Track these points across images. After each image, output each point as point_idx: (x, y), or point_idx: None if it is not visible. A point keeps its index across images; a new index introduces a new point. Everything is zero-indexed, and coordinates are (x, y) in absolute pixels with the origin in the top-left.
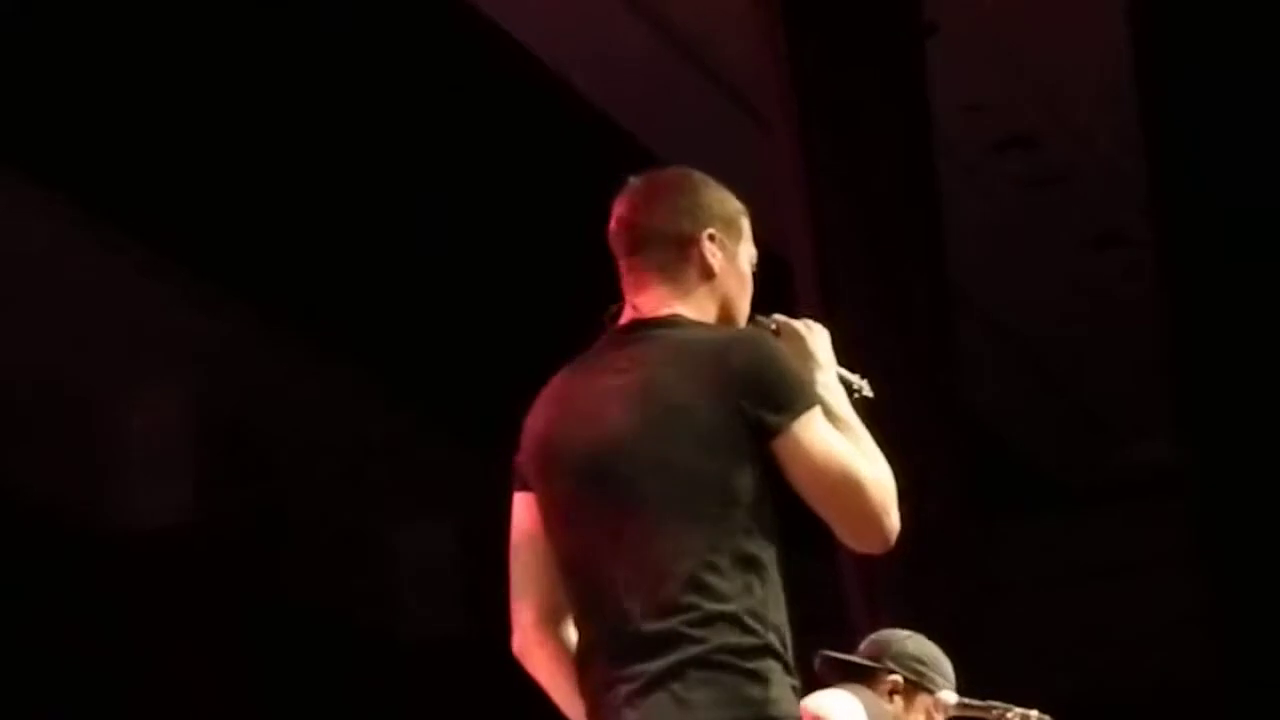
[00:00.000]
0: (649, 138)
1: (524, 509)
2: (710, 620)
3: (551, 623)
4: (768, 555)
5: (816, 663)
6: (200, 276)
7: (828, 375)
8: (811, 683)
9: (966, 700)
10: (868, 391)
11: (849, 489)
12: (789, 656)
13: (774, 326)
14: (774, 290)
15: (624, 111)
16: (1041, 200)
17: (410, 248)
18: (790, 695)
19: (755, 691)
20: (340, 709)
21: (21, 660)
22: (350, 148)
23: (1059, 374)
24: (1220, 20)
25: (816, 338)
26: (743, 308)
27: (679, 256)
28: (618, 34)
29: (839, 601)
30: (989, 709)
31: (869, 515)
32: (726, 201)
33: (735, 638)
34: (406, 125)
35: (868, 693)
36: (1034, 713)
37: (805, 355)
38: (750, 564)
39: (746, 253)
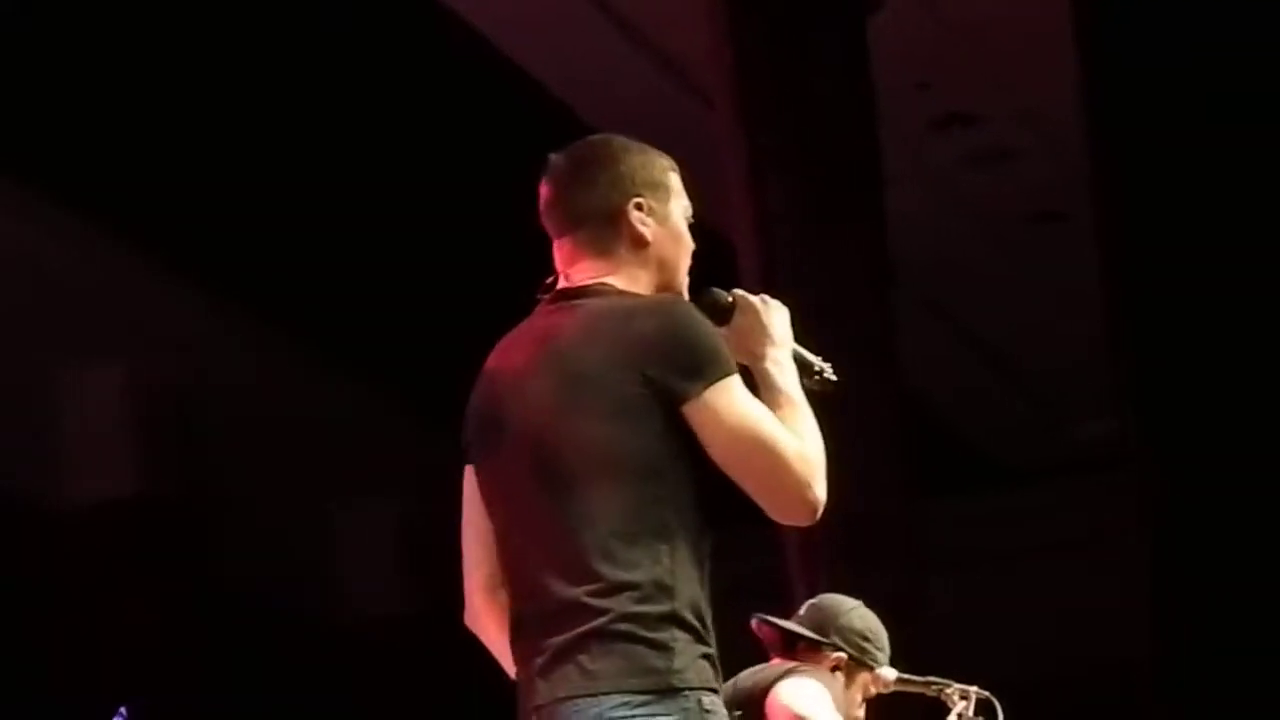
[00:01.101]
0: (592, 115)
1: (468, 482)
2: (615, 590)
3: (492, 591)
4: (680, 524)
5: (754, 625)
6: (144, 253)
7: (779, 351)
8: (747, 648)
9: (906, 676)
10: (830, 374)
11: (763, 457)
12: (701, 624)
13: (730, 300)
14: (716, 269)
15: (567, 89)
16: (984, 178)
17: (355, 224)
18: (700, 664)
19: (659, 661)
20: (283, 686)
21: None
22: (291, 121)
23: (1001, 352)
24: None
25: (773, 313)
26: (681, 265)
27: (609, 230)
28: (562, 13)
29: (782, 580)
30: (929, 684)
31: (786, 486)
32: (650, 164)
33: (640, 607)
34: (347, 99)
35: (824, 674)
36: (974, 688)
37: (759, 330)
38: (660, 533)
39: (679, 208)
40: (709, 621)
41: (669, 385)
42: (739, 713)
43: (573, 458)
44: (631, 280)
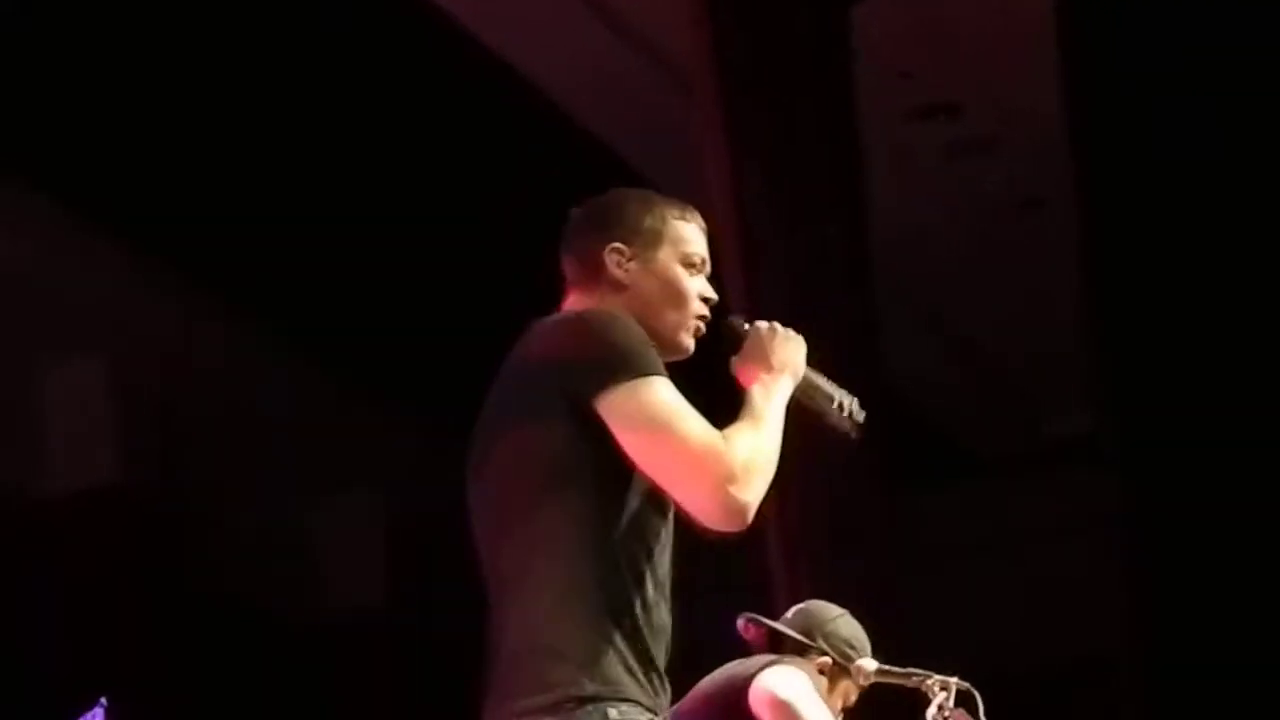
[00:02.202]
0: (572, 105)
1: None
2: (529, 604)
3: None
4: (597, 530)
5: (741, 624)
6: (124, 249)
7: (775, 378)
8: (728, 642)
9: (886, 667)
10: (855, 411)
11: (668, 452)
12: (620, 629)
13: (744, 328)
14: None
15: (546, 78)
16: (964, 168)
17: (336, 220)
18: (610, 672)
19: (558, 673)
20: (259, 683)
21: None
22: (273, 117)
23: (978, 344)
24: None
25: (781, 343)
26: (665, 308)
27: (590, 273)
28: (551, 11)
29: (760, 568)
30: (909, 676)
31: (692, 481)
32: (641, 213)
33: (546, 619)
34: (332, 94)
35: (807, 665)
36: (954, 679)
37: (760, 357)
38: (567, 539)
39: (673, 256)
40: (639, 622)
41: (577, 392)
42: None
43: (501, 473)
44: None
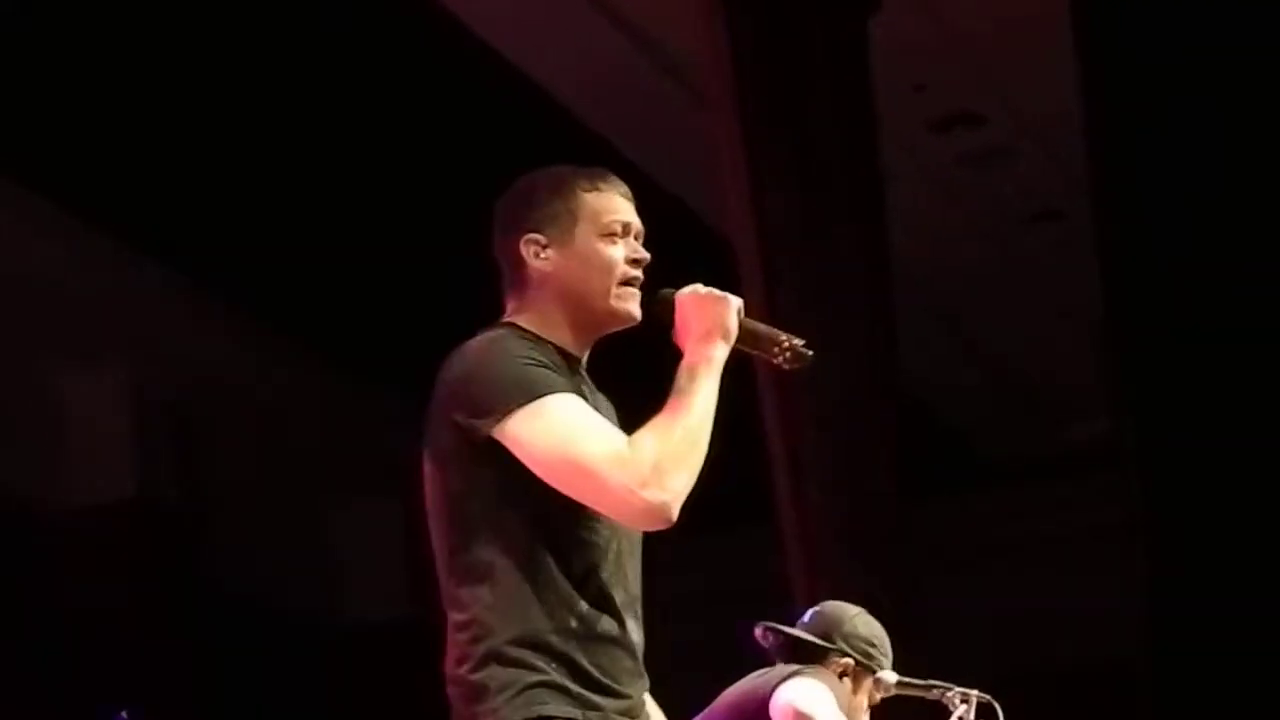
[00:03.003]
0: (592, 119)
1: None
2: (455, 631)
3: None
4: (506, 561)
5: (759, 633)
6: (142, 258)
7: (701, 346)
8: (741, 657)
9: (907, 679)
10: (800, 346)
11: (576, 473)
12: (537, 652)
13: (667, 299)
14: (717, 270)
15: (567, 93)
16: (982, 178)
17: (352, 226)
18: (530, 694)
19: (471, 708)
20: (280, 691)
21: None
22: (286, 124)
23: (997, 351)
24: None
25: (706, 307)
26: (594, 286)
27: (514, 270)
28: (562, 16)
29: (779, 576)
30: (929, 688)
31: (604, 494)
32: (549, 196)
33: (465, 651)
34: (348, 103)
35: (830, 677)
36: (974, 691)
37: (686, 327)
38: (481, 571)
39: (590, 231)
40: (558, 647)
41: (471, 426)
42: None
43: (427, 498)
44: (541, 313)
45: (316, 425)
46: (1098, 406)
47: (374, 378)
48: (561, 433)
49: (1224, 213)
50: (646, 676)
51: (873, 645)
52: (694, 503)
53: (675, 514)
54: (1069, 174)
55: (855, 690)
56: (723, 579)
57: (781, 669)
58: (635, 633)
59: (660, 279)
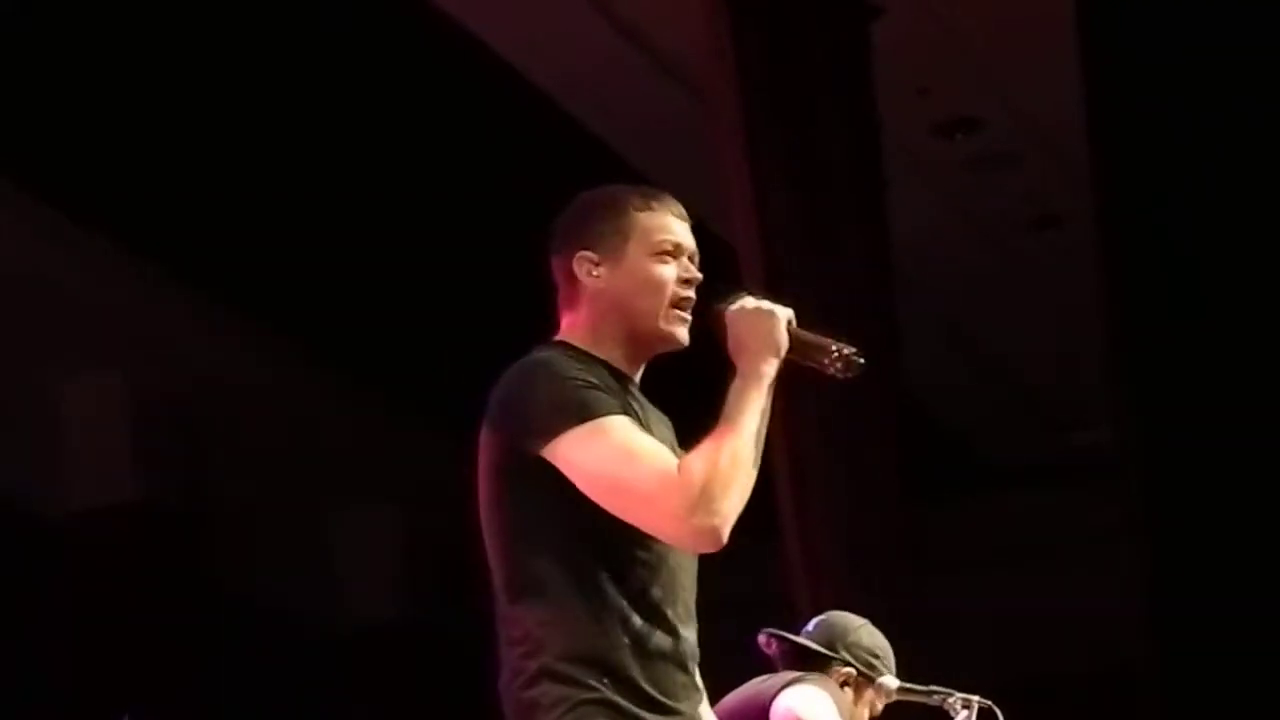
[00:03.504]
0: (595, 124)
1: None
2: (509, 649)
3: None
4: (560, 573)
5: (762, 639)
6: (142, 260)
7: (752, 362)
8: (750, 665)
9: (908, 685)
10: (850, 353)
11: (625, 497)
12: (587, 669)
13: (728, 307)
14: (719, 274)
15: (570, 97)
16: (984, 183)
17: (353, 229)
18: (579, 712)
19: None
20: (281, 694)
21: None
22: (288, 127)
23: (1000, 356)
24: (1165, 5)
25: (754, 322)
26: (644, 304)
27: (570, 288)
28: (566, 21)
29: (780, 581)
30: (930, 694)
31: (659, 518)
32: (603, 214)
33: (521, 663)
34: (347, 105)
35: (832, 685)
36: (975, 698)
37: (735, 345)
38: (534, 588)
39: (641, 250)
40: (611, 663)
41: (522, 444)
42: None
43: (481, 514)
44: (592, 329)
45: (317, 428)
46: (1100, 411)
47: (375, 381)
48: (611, 456)
49: (1227, 217)
50: (702, 689)
51: (875, 657)
52: None
53: (725, 536)
54: (1071, 179)
55: (856, 700)
56: (723, 584)
57: (784, 675)
58: (690, 646)
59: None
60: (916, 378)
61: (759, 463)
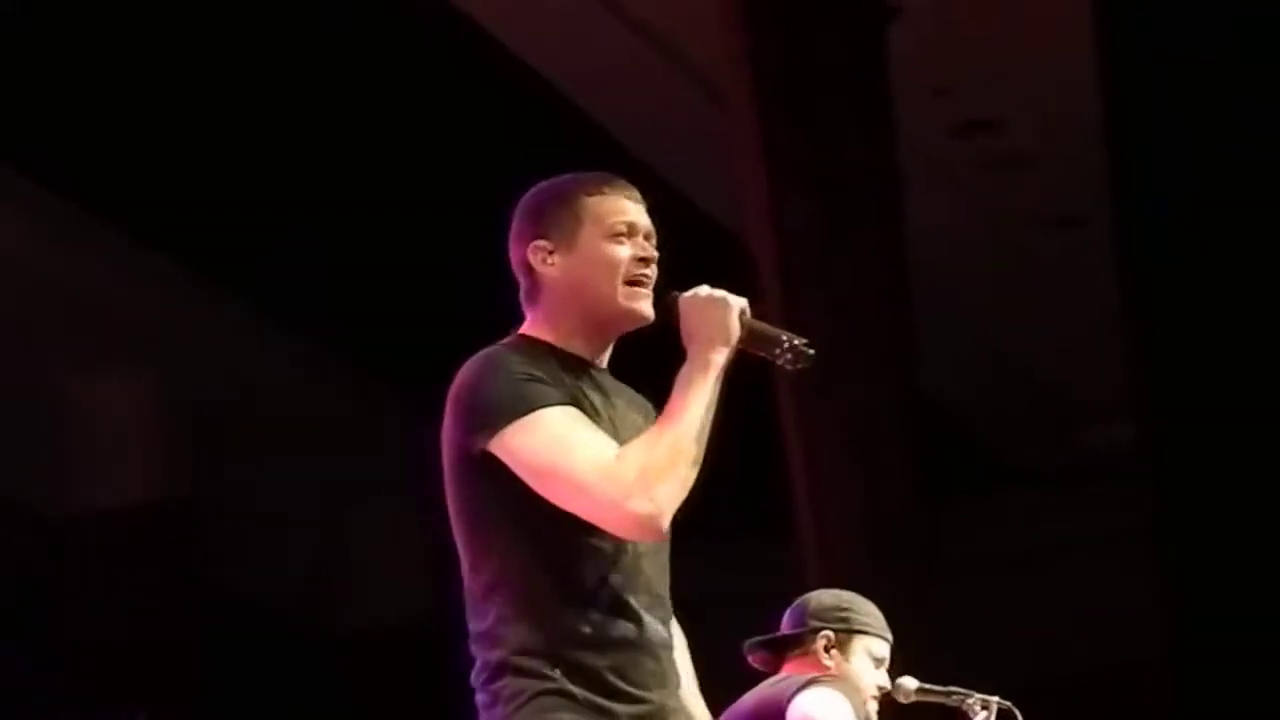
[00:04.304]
0: (613, 126)
1: None
2: (475, 643)
3: None
4: (513, 571)
5: (748, 655)
6: (157, 260)
7: (701, 351)
8: (749, 670)
9: (927, 686)
10: (800, 344)
11: (564, 486)
12: (548, 662)
13: (675, 298)
14: (735, 275)
15: (586, 97)
16: (1002, 183)
17: (369, 226)
18: (540, 702)
19: (488, 716)
20: (297, 694)
21: None
22: (307, 126)
23: (1017, 356)
24: (1182, 4)
25: (705, 311)
26: (601, 286)
27: (528, 280)
28: (582, 21)
29: (796, 580)
30: (949, 694)
31: (593, 507)
32: (553, 203)
33: (483, 660)
34: (364, 105)
35: (844, 684)
36: (995, 698)
37: (687, 333)
38: (494, 583)
39: (595, 234)
40: (569, 654)
41: (470, 440)
42: None
43: (449, 509)
44: (552, 319)
45: (334, 428)
46: (1116, 411)
47: (392, 379)
48: (550, 446)
49: (1245, 217)
50: (681, 676)
51: (842, 609)
52: (713, 508)
53: (664, 524)
54: (1089, 179)
55: (846, 656)
56: (741, 584)
57: (797, 678)
58: (658, 634)
59: (678, 284)
60: (933, 378)
61: (701, 451)
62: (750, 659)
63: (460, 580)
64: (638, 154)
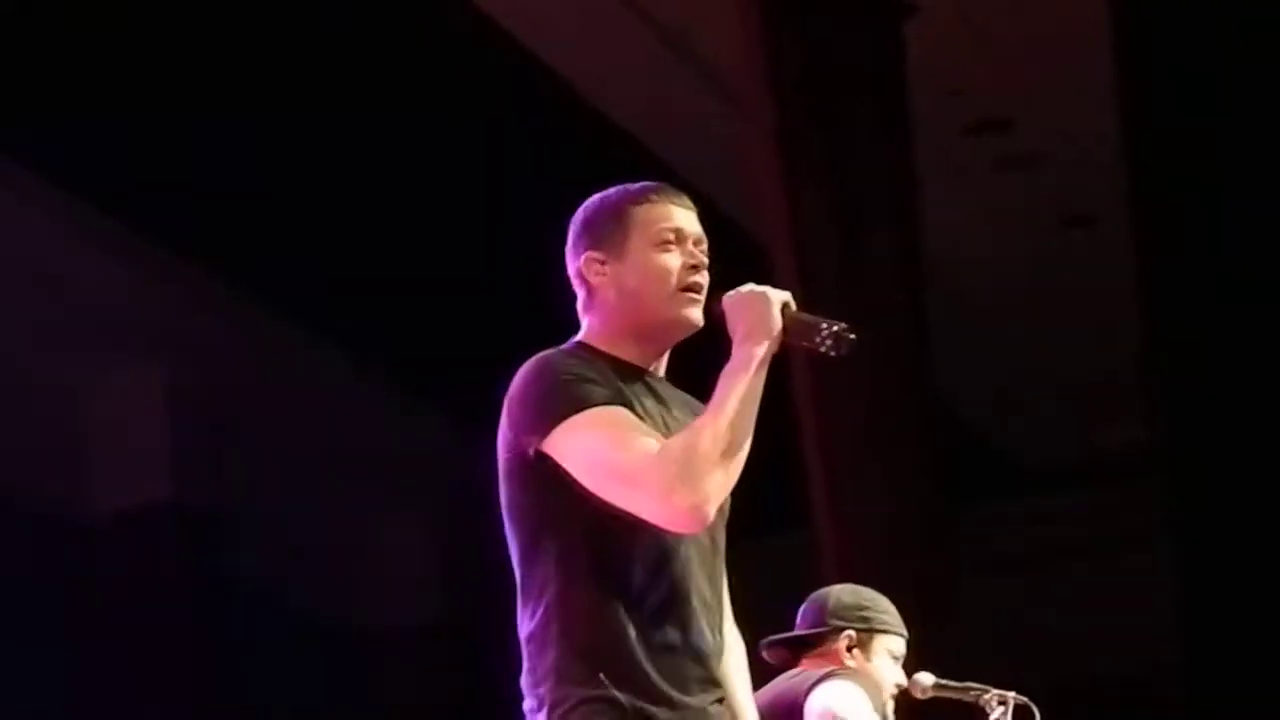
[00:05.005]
0: (630, 125)
1: None
2: (525, 645)
3: None
4: (570, 569)
5: (765, 653)
6: (177, 260)
7: (745, 346)
8: (764, 671)
9: (944, 682)
10: (841, 330)
11: (612, 483)
12: (596, 667)
13: (718, 300)
14: (751, 273)
15: (603, 97)
16: (1016, 182)
17: (391, 232)
18: (583, 710)
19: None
20: (315, 695)
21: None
22: (325, 129)
23: (1031, 357)
24: (1197, 3)
25: (744, 308)
26: (651, 297)
27: (583, 291)
28: (598, 20)
29: (814, 581)
30: (966, 690)
31: (642, 501)
32: (602, 214)
33: (531, 665)
34: (379, 102)
35: (862, 677)
36: (1011, 694)
37: (734, 329)
38: (544, 585)
39: (643, 243)
40: (616, 659)
41: (523, 440)
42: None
43: (502, 512)
44: (606, 330)
45: (353, 428)
46: (1131, 411)
47: (411, 380)
48: (598, 443)
49: (1260, 218)
50: (723, 683)
51: (863, 607)
52: (733, 508)
53: (709, 515)
54: (1102, 179)
55: (868, 656)
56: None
57: (815, 672)
58: (704, 640)
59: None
60: (948, 378)
61: (745, 442)
62: (767, 656)
63: (478, 583)
64: (653, 151)
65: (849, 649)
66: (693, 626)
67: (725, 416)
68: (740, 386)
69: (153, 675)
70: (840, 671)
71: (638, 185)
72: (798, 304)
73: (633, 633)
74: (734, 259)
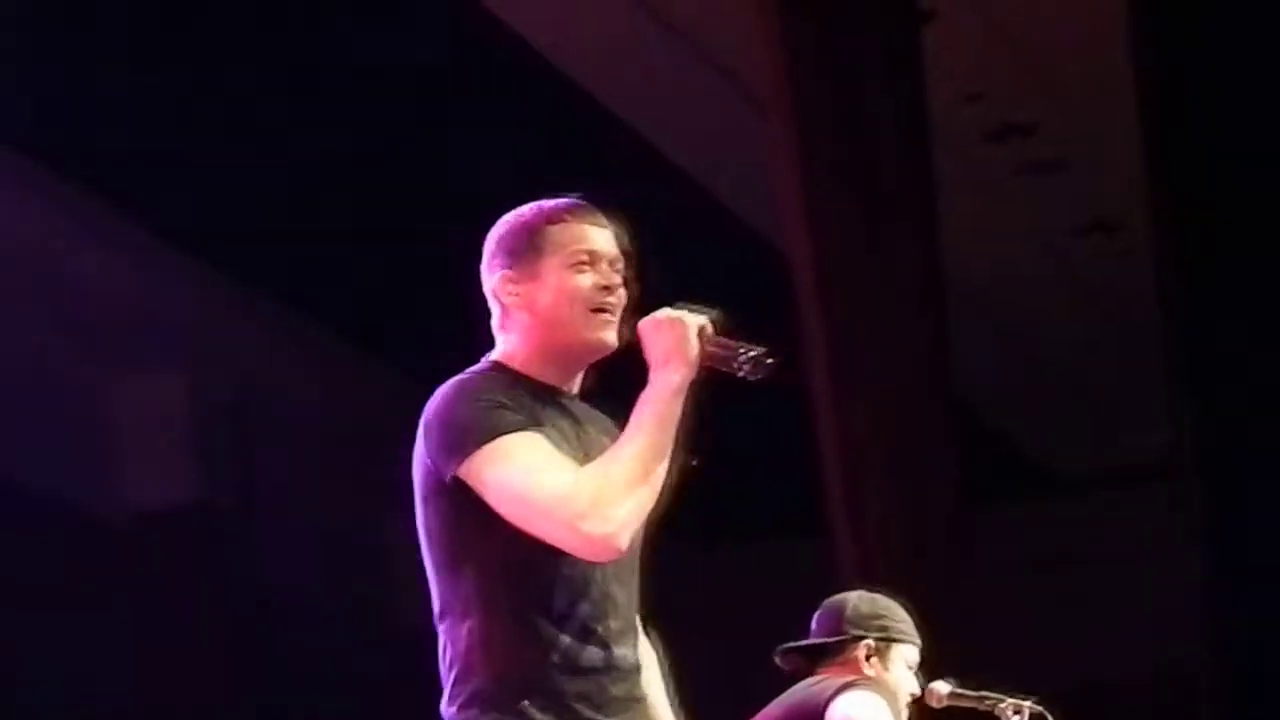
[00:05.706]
0: (648, 128)
1: None
2: (445, 671)
3: None
4: (492, 594)
5: (780, 660)
6: (198, 261)
7: (660, 373)
8: (779, 679)
9: (960, 690)
10: (759, 355)
11: (525, 510)
12: (520, 691)
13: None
14: (771, 279)
15: (622, 100)
16: (1037, 187)
17: (409, 231)
18: None
19: None
20: (338, 693)
21: (17, 642)
22: (340, 131)
23: (1054, 361)
24: (1218, 8)
25: (662, 335)
26: (563, 318)
27: (498, 310)
28: (616, 21)
29: (835, 586)
30: (982, 699)
31: (551, 529)
32: (517, 233)
33: (452, 691)
34: (391, 105)
35: (883, 688)
36: (1027, 703)
37: (650, 358)
38: (465, 611)
39: (557, 263)
40: (539, 683)
41: (439, 467)
42: None
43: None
44: (520, 350)
45: (373, 428)
46: (1155, 414)
47: (429, 380)
48: (513, 471)
49: None
50: (645, 699)
51: (880, 616)
52: (752, 512)
53: (622, 544)
54: (1123, 183)
55: (885, 666)
56: (778, 588)
57: (834, 682)
58: (625, 659)
59: (712, 288)
60: (969, 381)
61: (661, 471)
62: (781, 663)
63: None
64: (672, 157)
65: (868, 658)
66: (614, 645)
67: (638, 445)
68: (655, 414)
69: (177, 674)
70: (860, 681)
71: (553, 203)
72: (822, 309)
73: (555, 657)
74: (754, 267)
